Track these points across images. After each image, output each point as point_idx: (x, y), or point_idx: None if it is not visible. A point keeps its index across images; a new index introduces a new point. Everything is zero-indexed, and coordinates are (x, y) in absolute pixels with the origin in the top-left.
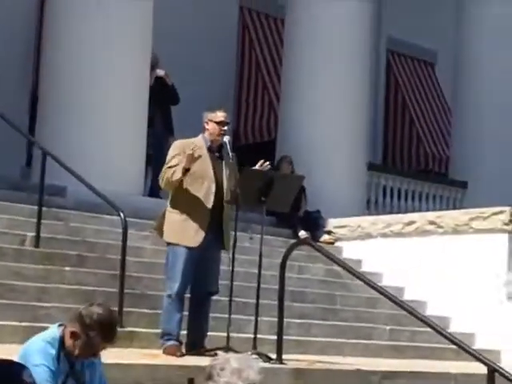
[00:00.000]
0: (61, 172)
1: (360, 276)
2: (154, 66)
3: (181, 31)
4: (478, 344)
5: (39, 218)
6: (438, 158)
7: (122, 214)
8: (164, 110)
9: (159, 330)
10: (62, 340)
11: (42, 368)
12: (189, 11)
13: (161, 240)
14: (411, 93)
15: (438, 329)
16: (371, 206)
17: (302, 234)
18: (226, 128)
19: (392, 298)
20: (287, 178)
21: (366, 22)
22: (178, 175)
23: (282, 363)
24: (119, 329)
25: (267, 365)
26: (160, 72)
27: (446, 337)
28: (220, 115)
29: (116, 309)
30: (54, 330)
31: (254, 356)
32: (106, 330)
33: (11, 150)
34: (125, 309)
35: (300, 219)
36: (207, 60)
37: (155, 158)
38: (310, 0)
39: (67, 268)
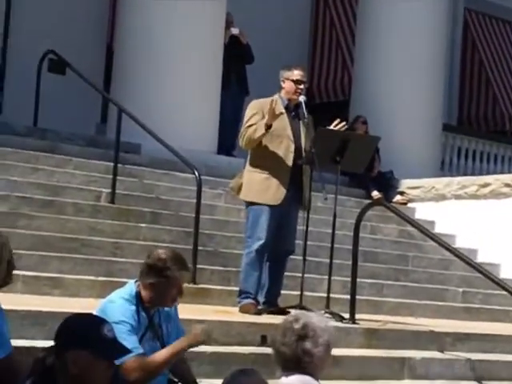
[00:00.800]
0: (135, 130)
1: (434, 237)
2: (228, 25)
3: None
4: None
5: (115, 174)
6: None
7: (196, 172)
8: (239, 69)
9: (232, 288)
10: (139, 295)
11: (123, 324)
12: None
13: (235, 199)
14: (488, 52)
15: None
16: (445, 168)
17: (375, 194)
18: (302, 87)
19: (466, 259)
20: (363, 138)
21: None
22: (260, 132)
23: (354, 323)
24: (193, 285)
25: (340, 324)
26: (234, 30)
27: None
28: (297, 73)
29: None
30: (130, 287)
31: (327, 315)
32: (178, 261)
33: (87, 106)
34: (198, 265)
35: (373, 179)
36: (281, 19)
37: (231, 117)
38: None
39: (142, 224)
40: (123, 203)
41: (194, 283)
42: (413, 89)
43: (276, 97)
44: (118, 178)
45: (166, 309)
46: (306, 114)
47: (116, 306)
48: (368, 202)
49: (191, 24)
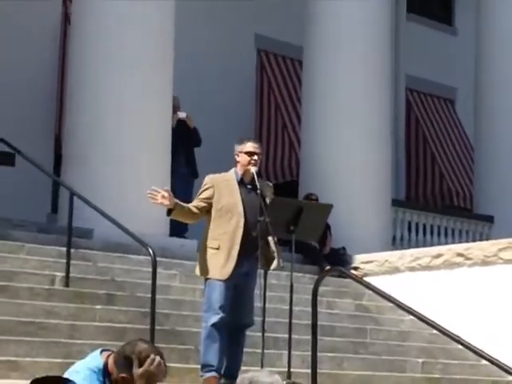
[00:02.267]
0: (87, 215)
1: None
2: (175, 109)
3: (200, 74)
4: None
5: (68, 258)
6: (461, 194)
7: (150, 250)
8: (187, 152)
9: (191, 365)
10: (106, 367)
11: None
12: (208, 54)
13: (190, 279)
14: (432, 130)
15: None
16: (397, 243)
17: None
18: (256, 158)
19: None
20: (316, 206)
21: (385, 61)
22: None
23: None
24: None
25: None
26: (181, 114)
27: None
28: (249, 145)
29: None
30: (96, 358)
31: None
32: (162, 368)
33: (37, 197)
34: (156, 345)
35: (326, 256)
36: (227, 102)
37: (182, 200)
38: (326, 42)
39: (98, 306)
40: (78, 286)
41: None
42: (362, 166)
43: (231, 172)
44: (72, 262)
45: None
46: (258, 184)
47: (81, 378)
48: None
49: (139, 108)
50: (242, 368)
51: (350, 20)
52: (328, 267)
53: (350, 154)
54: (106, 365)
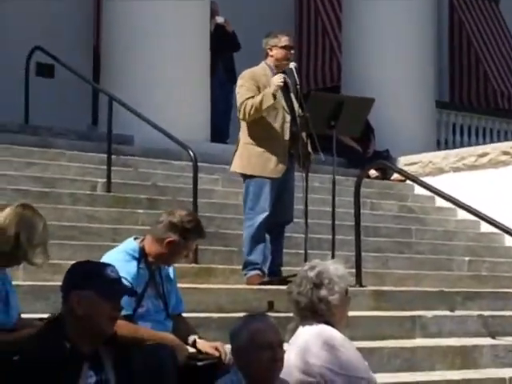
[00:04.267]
0: (127, 121)
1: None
2: (213, 14)
3: None
4: None
5: (109, 164)
6: (506, 95)
7: (191, 152)
8: (226, 58)
9: (234, 267)
10: (142, 250)
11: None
12: None
13: (233, 183)
14: (476, 31)
15: None
16: (441, 145)
17: (373, 173)
18: (292, 52)
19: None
20: (357, 100)
21: None
22: (269, 102)
23: (361, 286)
24: (195, 265)
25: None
26: (219, 19)
27: None
28: (284, 39)
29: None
30: (131, 242)
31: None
32: (199, 226)
33: (77, 108)
34: (200, 247)
35: (369, 159)
36: (267, 6)
37: (222, 106)
38: None
39: (140, 211)
40: (119, 191)
41: (196, 263)
42: (404, 67)
43: (263, 66)
44: (113, 168)
45: (167, 269)
46: (297, 80)
47: (117, 259)
48: (366, 180)
49: (177, 12)
50: (286, 268)
51: None
52: (372, 172)
53: (393, 56)
54: (141, 248)
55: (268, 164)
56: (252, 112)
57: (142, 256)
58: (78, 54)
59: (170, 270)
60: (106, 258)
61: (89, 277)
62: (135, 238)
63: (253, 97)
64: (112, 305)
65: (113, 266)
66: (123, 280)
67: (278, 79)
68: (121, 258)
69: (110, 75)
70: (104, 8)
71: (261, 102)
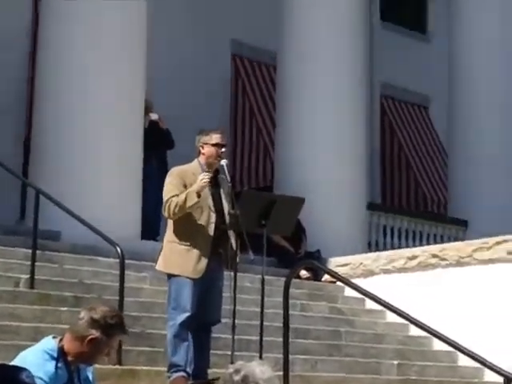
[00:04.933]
0: (55, 216)
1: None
2: (147, 110)
3: (174, 80)
4: (487, 378)
5: (33, 259)
6: (436, 200)
7: (118, 249)
8: (159, 155)
9: (160, 368)
10: (61, 350)
11: (39, 381)
12: (183, 59)
13: (161, 281)
14: (406, 136)
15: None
16: (372, 247)
17: (304, 273)
18: (223, 150)
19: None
20: (288, 200)
21: (359, 68)
22: (193, 201)
23: None
24: (119, 367)
25: None
26: (154, 116)
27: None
28: (215, 137)
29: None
30: (49, 341)
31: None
32: (123, 324)
33: (5, 203)
34: (124, 347)
35: (300, 259)
36: (201, 106)
37: (154, 203)
38: (300, 48)
39: (63, 308)
40: (43, 288)
41: (120, 364)
42: (336, 170)
43: (195, 163)
44: (38, 264)
45: (86, 370)
46: (228, 177)
47: (33, 360)
48: (296, 280)
49: (109, 109)
50: (213, 371)
51: (324, 27)
52: (303, 272)
53: (325, 159)
54: (60, 348)
55: (189, 263)
56: (176, 210)
57: (60, 356)
58: (9, 146)
59: (90, 372)
60: (21, 359)
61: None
62: (54, 337)
63: (178, 195)
64: None
65: (28, 371)
66: (40, 380)
67: (203, 178)
68: (38, 358)
69: (40, 168)
70: (36, 100)
71: (185, 201)
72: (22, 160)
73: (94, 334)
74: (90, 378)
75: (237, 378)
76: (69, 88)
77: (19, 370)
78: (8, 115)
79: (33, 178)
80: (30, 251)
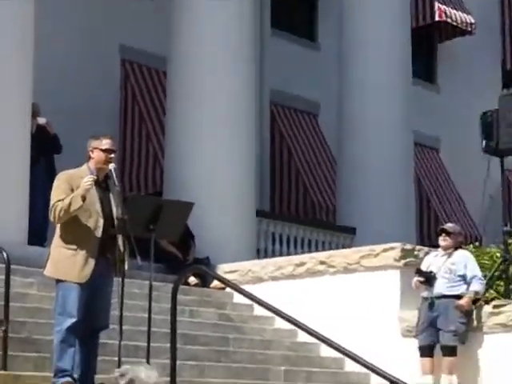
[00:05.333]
0: None
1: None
2: (34, 114)
3: (62, 84)
4: (374, 382)
5: None
6: (324, 208)
7: (4, 253)
8: (47, 159)
9: (46, 374)
10: None
11: None
12: (71, 63)
13: (49, 287)
14: (296, 143)
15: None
16: (261, 255)
17: (192, 280)
18: (112, 155)
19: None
20: (176, 204)
21: (249, 75)
22: (77, 204)
23: None
24: (4, 372)
25: None
26: (41, 120)
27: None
28: (105, 142)
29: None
30: None
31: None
32: None
33: None
34: (10, 353)
35: (189, 266)
36: (89, 112)
37: (42, 207)
38: (189, 54)
39: None
40: None
41: (5, 370)
42: (224, 177)
43: (84, 168)
44: None
45: None
46: (116, 182)
47: None
48: (185, 287)
49: None
50: (100, 376)
51: (213, 30)
52: (192, 279)
53: (213, 165)
54: None
55: (75, 268)
56: (61, 214)
57: None
58: None
59: None
60: None
61: None
62: None
63: (63, 199)
64: None
65: None
66: None
67: (87, 181)
68: None
69: None
70: None
71: (69, 205)
72: None
73: None
74: None
75: (122, 382)
76: None
77: None
78: None
79: None
80: None
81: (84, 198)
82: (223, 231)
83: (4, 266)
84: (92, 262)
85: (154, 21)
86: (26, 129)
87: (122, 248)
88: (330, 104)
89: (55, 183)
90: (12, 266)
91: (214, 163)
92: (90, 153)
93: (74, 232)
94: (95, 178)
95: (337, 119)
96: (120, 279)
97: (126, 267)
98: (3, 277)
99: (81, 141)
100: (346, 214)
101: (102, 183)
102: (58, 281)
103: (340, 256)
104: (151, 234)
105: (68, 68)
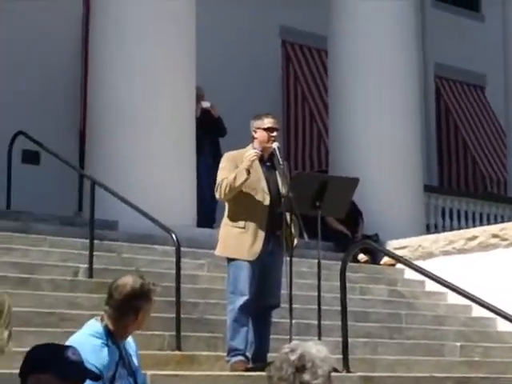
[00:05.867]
0: (112, 207)
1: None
2: (199, 99)
3: (225, 68)
4: None
5: (91, 249)
6: (495, 180)
7: (174, 236)
8: (212, 142)
9: (219, 353)
10: (106, 329)
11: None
12: (232, 47)
13: (219, 268)
14: (463, 116)
15: None
16: (431, 229)
17: (362, 257)
18: (275, 134)
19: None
20: (342, 180)
21: (413, 49)
22: (242, 178)
23: (349, 372)
24: (178, 352)
25: (334, 374)
26: (205, 104)
27: None
28: (267, 121)
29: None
30: (94, 324)
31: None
32: (143, 287)
33: (63, 194)
34: (183, 333)
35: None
36: (253, 95)
37: (208, 190)
38: (351, 32)
39: None
40: (102, 277)
41: (179, 350)
42: (392, 153)
43: (249, 148)
44: (96, 253)
45: (131, 344)
46: (280, 160)
47: (80, 342)
48: (355, 264)
49: (162, 98)
50: (272, 354)
51: (375, 7)
52: (361, 256)
53: (379, 141)
54: (106, 327)
55: (244, 246)
56: (227, 190)
57: (107, 335)
58: (65, 139)
59: (133, 345)
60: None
61: (48, 360)
62: (95, 319)
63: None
64: None
65: (74, 348)
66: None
67: (251, 154)
68: (87, 342)
69: (97, 160)
70: (90, 92)
71: (234, 179)
72: (78, 151)
73: (117, 312)
74: (135, 349)
75: (293, 357)
76: (122, 79)
77: (65, 347)
78: (62, 106)
79: (89, 169)
80: (88, 241)
81: (248, 172)
82: (392, 208)
83: (174, 248)
84: (261, 240)
85: (313, 0)
86: (191, 114)
87: (290, 226)
88: (497, 75)
89: (221, 164)
90: (182, 249)
91: (380, 139)
92: (253, 133)
93: (242, 210)
94: (260, 152)
95: (504, 90)
96: (288, 258)
97: (295, 243)
98: (174, 259)
99: (245, 124)
100: None
101: (268, 162)
102: (229, 260)
103: None
104: (317, 211)
105: (230, 54)
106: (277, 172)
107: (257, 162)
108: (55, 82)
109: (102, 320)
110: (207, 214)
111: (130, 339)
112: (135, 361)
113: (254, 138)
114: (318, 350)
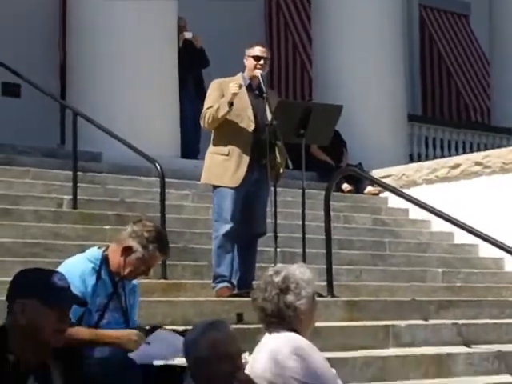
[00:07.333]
0: (95, 138)
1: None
2: (181, 29)
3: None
4: None
5: (75, 181)
6: (478, 109)
7: (157, 166)
8: (195, 74)
9: (205, 281)
10: (104, 260)
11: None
12: None
13: (203, 198)
14: (447, 45)
15: None
16: (414, 158)
17: (346, 186)
18: (262, 62)
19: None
20: (325, 107)
21: None
22: (224, 110)
23: (333, 297)
24: (164, 281)
25: (319, 299)
26: (188, 34)
27: None
28: (256, 49)
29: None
30: (94, 251)
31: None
32: (162, 241)
33: (44, 127)
34: (168, 262)
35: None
36: (235, 23)
37: (192, 122)
38: None
39: (107, 227)
40: (86, 208)
41: (165, 279)
42: (375, 80)
43: (238, 76)
44: (80, 185)
45: (132, 284)
46: (264, 88)
47: (74, 265)
48: (339, 194)
49: (145, 28)
50: (256, 282)
51: None
52: (345, 185)
53: (364, 70)
54: (104, 257)
55: (227, 172)
56: (210, 121)
57: (103, 264)
58: (45, 70)
59: (135, 285)
60: (65, 265)
61: (34, 284)
62: (99, 248)
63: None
64: (58, 314)
65: (61, 274)
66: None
67: (233, 87)
68: (79, 264)
69: (78, 92)
70: (69, 23)
71: (217, 110)
72: (59, 85)
73: (131, 243)
74: (136, 290)
75: (277, 279)
76: (104, 9)
77: (51, 272)
78: (41, 39)
79: (71, 102)
80: (71, 173)
81: (231, 104)
82: (375, 137)
83: (158, 179)
84: (244, 166)
85: None
86: (173, 43)
87: (275, 153)
88: (481, 3)
89: (208, 91)
90: (166, 179)
91: (364, 68)
92: (244, 60)
93: (226, 137)
94: (241, 83)
95: (489, 18)
96: (273, 185)
97: (281, 172)
98: (158, 189)
99: (228, 56)
100: (501, 114)
101: (256, 90)
102: (214, 188)
103: (496, 156)
104: (302, 139)
105: None
106: (263, 100)
107: (244, 91)
108: (34, 12)
109: (106, 249)
110: (191, 146)
111: (136, 287)
112: (131, 300)
113: (244, 66)
114: (301, 272)
